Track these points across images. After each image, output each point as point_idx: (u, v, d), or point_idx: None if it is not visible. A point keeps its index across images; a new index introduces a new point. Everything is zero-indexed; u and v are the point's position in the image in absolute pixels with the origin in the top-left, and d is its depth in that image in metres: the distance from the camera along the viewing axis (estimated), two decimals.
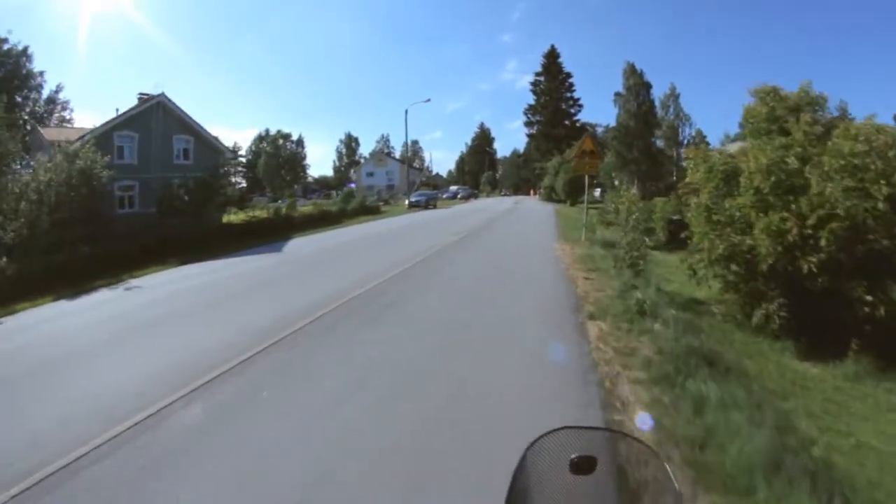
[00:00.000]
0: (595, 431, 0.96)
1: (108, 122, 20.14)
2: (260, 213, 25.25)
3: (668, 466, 0.83)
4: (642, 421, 3.55)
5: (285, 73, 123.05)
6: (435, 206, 36.17)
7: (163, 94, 21.24)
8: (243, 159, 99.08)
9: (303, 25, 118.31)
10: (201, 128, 22.76)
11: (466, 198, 58.06)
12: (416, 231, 18.63)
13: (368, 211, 30.59)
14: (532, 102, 64.58)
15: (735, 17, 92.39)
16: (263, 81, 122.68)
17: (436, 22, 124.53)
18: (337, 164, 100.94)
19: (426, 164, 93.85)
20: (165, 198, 19.09)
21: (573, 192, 42.54)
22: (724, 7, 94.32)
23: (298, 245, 16.43)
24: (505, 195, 68.01)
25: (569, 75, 62.70)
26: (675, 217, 15.84)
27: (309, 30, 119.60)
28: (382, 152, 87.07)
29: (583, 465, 0.83)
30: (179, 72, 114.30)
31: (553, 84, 62.19)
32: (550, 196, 48.80)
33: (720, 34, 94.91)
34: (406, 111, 36.62)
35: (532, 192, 71.69)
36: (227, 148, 25.81)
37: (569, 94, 62.86)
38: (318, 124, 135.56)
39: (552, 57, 62.61)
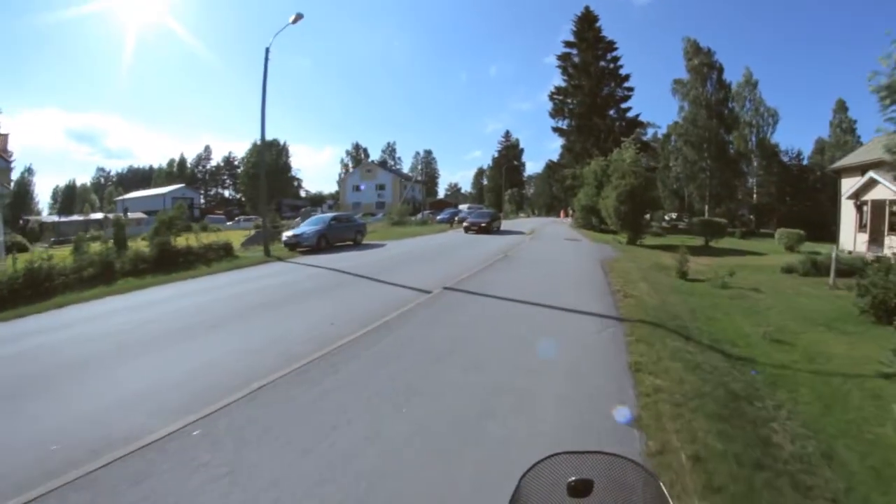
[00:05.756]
0: (591, 455, 0.96)
1: None
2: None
3: (664, 488, 0.83)
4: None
5: (326, 87, 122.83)
6: (357, 242, 18.59)
7: None
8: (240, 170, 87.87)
9: (346, 41, 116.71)
10: None
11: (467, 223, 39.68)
12: None
13: (188, 260, 13.46)
14: (562, 84, 45.79)
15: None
16: (304, 96, 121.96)
17: (480, 41, 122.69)
18: (342, 176, 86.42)
19: (415, 175, 76.25)
20: None
21: (634, 217, 23.22)
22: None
23: None
24: (476, 219, 27.86)
25: (611, 45, 43.76)
26: None
27: (351, 46, 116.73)
28: (374, 162, 70.61)
29: (580, 488, 0.83)
30: (222, 85, 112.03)
31: (589, 56, 43.36)
32: (589, 221, 29.87)
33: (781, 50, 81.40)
34: (267, 49, 16.37)
35: (563, 213, 52.57)
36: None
37: (612, 68, 43.82)
38: (355, 140, 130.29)
39: (587, 21, 44.08)
